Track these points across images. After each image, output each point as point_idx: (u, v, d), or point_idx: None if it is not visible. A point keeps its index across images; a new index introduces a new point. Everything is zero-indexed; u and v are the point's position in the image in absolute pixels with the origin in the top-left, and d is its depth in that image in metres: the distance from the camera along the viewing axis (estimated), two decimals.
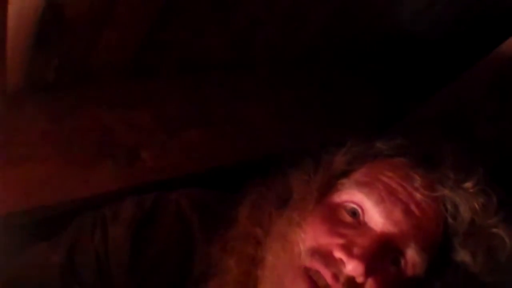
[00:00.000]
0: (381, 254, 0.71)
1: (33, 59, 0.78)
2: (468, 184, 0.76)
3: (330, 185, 0.80)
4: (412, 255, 0.73)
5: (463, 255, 0.77)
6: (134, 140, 0.86)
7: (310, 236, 0.73)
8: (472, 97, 1.04)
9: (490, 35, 1.01)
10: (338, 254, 0.69)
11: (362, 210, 0.74)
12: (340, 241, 0.71)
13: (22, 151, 0.77)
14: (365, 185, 0.76)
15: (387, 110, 1.13)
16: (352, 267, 0.68)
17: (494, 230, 0.77)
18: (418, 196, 0.75)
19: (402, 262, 0.74)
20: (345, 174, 0.81)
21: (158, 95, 0.92)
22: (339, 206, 0.76)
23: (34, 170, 0.77)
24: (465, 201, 0.75)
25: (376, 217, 0.73)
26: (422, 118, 1.08)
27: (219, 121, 0.95)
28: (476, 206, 0.75)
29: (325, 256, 0.70)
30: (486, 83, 1.02)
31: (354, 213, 0.75)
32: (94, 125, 0.85)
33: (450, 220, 0.76)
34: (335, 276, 0.69)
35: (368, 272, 0.69)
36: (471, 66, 1.03)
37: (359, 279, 0.69)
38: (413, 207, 0.74)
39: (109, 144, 0.84)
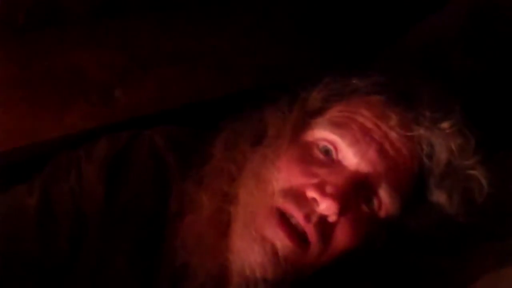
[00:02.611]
0: (354, 193, 0.71)
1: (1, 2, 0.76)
2: (445, 124, 0.74)
3: (305, 123, 0.78)
4: (385, 195, 0.73)
5: (438, 196, 0.76)
6: (107, 79, 0.84)
7: (283, 175, 0.72)
8: (449, 29, 1.01)
9: None
10: (311, 193, 0.69)
11: (336, 149, 0.73)
12: (313, 180, 0.70)
13: None
14: (340, 126, 0.74)
15: (366, 42, 1.08)
16: (325, 206, 0.68)
17: (471, 171, 0.76)
18: (393, 135, 0.73)
19: (376, 202, 0.73)
20: (320, 111, 0.78)
21: (129, 33, 0.89)
22: (313, 144, 0.75)
23: (6, 114, 0.77)
24: (441, 141, 0.74)
25: (350, 157, 0.72)
26: (400, 51, 1.05)
27: (192, 57, 0.92)
28: (453, 146, 0.74)
29: (298, 197, 0.70)
30: (463, 15, 0.99)
31: (327, 151, 0.73)
32: (65, 66, 0.83)
33: (425, 160, 0.75)
34: (307, 217, 0.68)
35: (341, 211, 0.68)
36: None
37: (332, 218, 0.69)
38: (387, 146, 0.73)
39: (81, 84, 0.82)
